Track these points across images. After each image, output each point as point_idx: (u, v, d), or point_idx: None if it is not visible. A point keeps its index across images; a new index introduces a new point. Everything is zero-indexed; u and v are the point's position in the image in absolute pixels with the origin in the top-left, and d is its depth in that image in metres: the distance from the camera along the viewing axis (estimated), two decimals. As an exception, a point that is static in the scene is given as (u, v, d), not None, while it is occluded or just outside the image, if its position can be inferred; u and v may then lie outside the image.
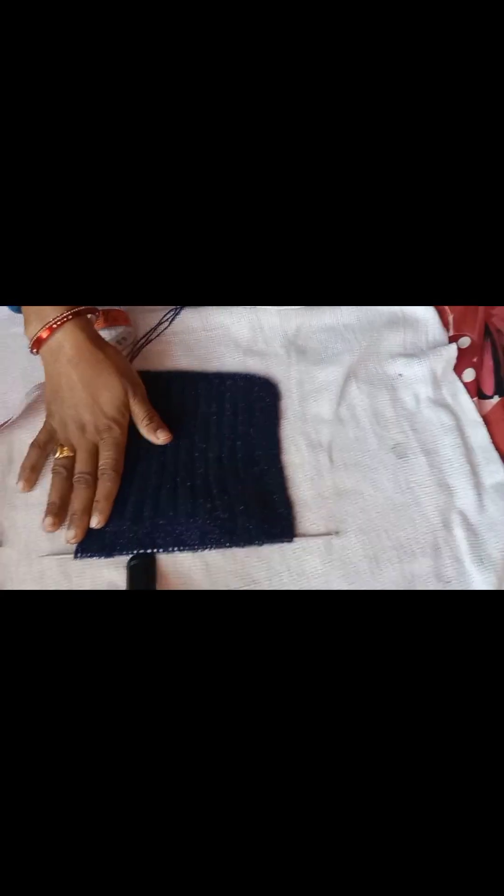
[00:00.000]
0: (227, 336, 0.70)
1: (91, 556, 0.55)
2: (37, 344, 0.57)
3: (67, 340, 0.57)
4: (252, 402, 0.65)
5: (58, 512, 0.56)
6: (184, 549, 0.56)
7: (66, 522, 0.56)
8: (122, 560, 0.55)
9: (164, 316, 0.70)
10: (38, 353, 0.58)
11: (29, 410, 0.63)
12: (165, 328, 0.69)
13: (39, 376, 0.65)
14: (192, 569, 0.56)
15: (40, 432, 0.59)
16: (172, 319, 0.70)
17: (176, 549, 0.56)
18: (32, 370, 0.65)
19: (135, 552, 0.56)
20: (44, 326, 0.56)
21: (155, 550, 0.56)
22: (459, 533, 0.59)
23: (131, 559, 0.55)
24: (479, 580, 0.57)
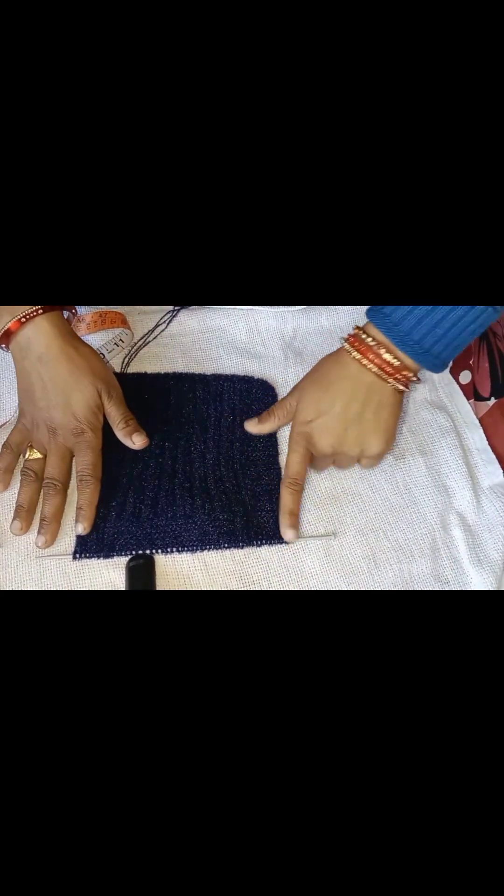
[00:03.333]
0: (224, 338, 0.70)
1: (90, 557, 0.55)
2: (4, 337, 0.54)
3: (37, 337, 0.54)
4: (250, 403, 0.65)
5: (25, 516, 0.55)
6: (183, 550, 0.56)
7: (39, 527, 0.55)
8: (122, 561, 0.55)
9: (162, 318, 0.70)
10: (7, 348, 0.55)
11: (27, 412, 0.63)
12: (163, 330, 0.70)
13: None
14: (192, 569, 0.56)
15: (12, 432, 0.58)
16: (170, 322, 0.70)
17: (175, 549, 0.56)
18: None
19: (134, 553, 0.56)
20: (12, 319, 0.53)
21: (154, 551, 0.56)
22: (457, 534, 0.60)
23: (130, 560, 0.55)
24: (478, 581, 0.58)
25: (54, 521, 0.55)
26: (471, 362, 0.69)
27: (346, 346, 0.54)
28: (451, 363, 0.54)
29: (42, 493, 0.56)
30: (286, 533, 0.56)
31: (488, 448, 0.64)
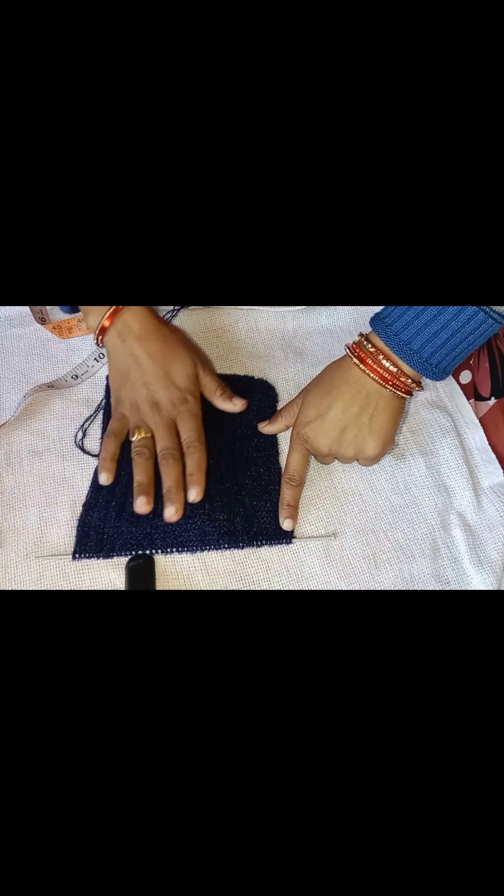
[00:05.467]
0: (224, 338, 0.70)
1: (90, 557, 0.55)
2: (102, 332, 0.58)
3: (133, 320, 0.58)
4: (250, 403, 0.65)
5: (147, 490, 0.55)
6: (182, 550, 0.56)
7: (164, 500, 0.54)
8: (121, 561, 0.55)
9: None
10: (102, 342, 0.59)
11: (27, 412, 0.63)
12: (163, 330, 0.70)
13: (37, 378, 0.65)
14: (192, 569, 0.56)
15: (112, 422, 0.59)
16: (170, 321, 0.70)
17: (175, 549, 0.56)
18: (30, 371, 0.66)
19: (134, 553, 0.56)
20: (107, 313, 0.57)
21: (154, 551, 0.56)
22: (458, 534, 0.60)
23: (130, 560, 0.55)
24: (478, 581, 0.58)
25: (179, 489, 0.55)
26: (471, 362, 0.69)
27: (348, 352, 0.56)
28: (451, 372, 0.54)
29: (160, 466, 0.56)
30: (284, 522, 0.58)
31: (488, 448, 0.64)
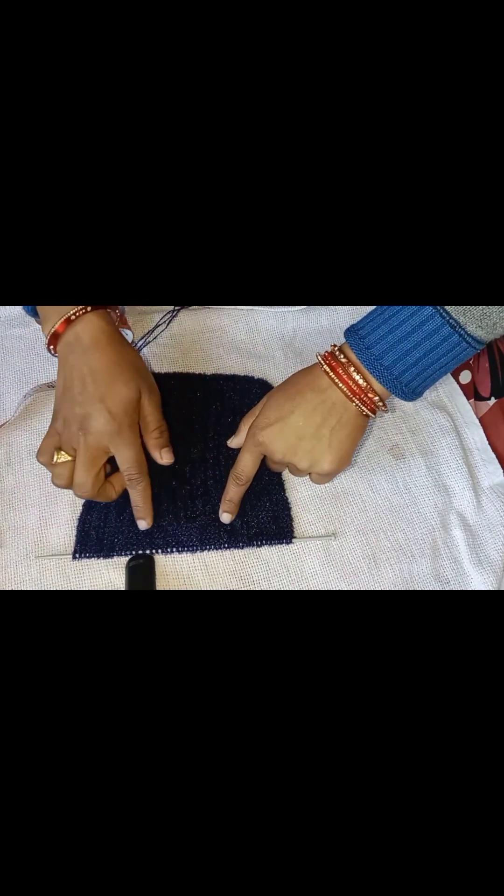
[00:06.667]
0: (224, 338, 0.70)
1: (90, 557, 0.55)
2: (54, 339, 0.54)
3: (85, 331, 0.53)
4: (250, 403, 0.65)
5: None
6: (183, 550, 0.56)
7: None
8: (121, 561, 0.55)
9: (162, 318, 0.70)
10: (55, 351, 0.55)
11: (27, 412, 0.63)
12: (163, 330, 0.70)
13: (37, 378, 0.65)
14: (192, 569, 0.56)
15: (45, 438, 0.55)
16: (169, 322, 0.70)
17: (175, 549, 0.56)
18: (30, 371, 0.66)
19: (134, 553, 0.56)
20: (60, 320, 0.53)
21: (154, 551, 0.56)
22: (458, 534, 0.60)
23: (130, 560, 0.55)
24: (478, 581, 0.58)
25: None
26: (471, 362, 0.69)
27: (320, 359, 0.54)
28: (422, 394, 0.53)
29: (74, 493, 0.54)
30: (222, 515, 0.57)
31: (488, 448, 0.64)
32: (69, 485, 0.53)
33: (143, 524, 0.55)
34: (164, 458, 0.56)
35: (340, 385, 0.52)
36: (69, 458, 0.53)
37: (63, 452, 0.53)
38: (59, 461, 0.53)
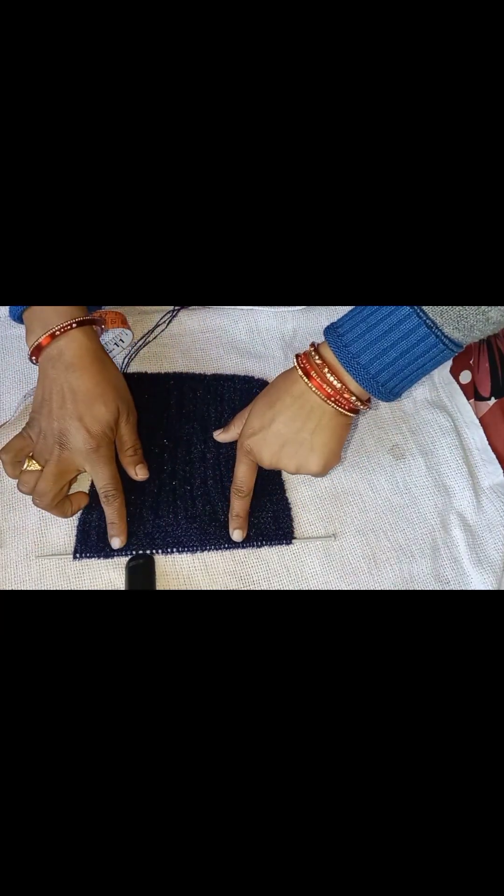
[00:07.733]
0: (224, 338, 0.70)
1: (90, 557, 0.55)
2: (36, 351, 0.54)
3: (69, 348, 0.54)
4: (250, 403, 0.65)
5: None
6: (183, 550, 0.56)
7: None
8: (121, 561, 0.55)
9: (162, 318, 0.70)
10: (37, 361, 0.55)
11: (27, 412, 0.63)
12: (163, 330, 0.70)
13: (37, 378, 0.65)
14: (192, 569, 0.56)
15: (15, 437, 0.56)
16: (170, 322, 0.70)
17: (175, 549, 0.56)
18: (30, 372, 0.65)
19: (134, 553, 0.56)
20: (45, 333, 0.53)
21: (154, 551, 0.56)
22: (458, 534, 0.60)
23: (130, 560, 0.55)
24: (478, 581, 0.58)
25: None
26: (471, 362, 0.69)
27: (295, 363, 0.54)
28: (401, 395, 0.52)
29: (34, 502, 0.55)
30: (233, 533, 0.57)
31: (488, 448, 0.64)
32: (32, 492, 0.55)
33: (116, 542, 0.55)
34: (139, 474, 0.58)
35: (314, 389, 0.52)
36: (38, 468, 0.54)
37: (34, 462, 0.55)
38: (28, 469, 0.55)
